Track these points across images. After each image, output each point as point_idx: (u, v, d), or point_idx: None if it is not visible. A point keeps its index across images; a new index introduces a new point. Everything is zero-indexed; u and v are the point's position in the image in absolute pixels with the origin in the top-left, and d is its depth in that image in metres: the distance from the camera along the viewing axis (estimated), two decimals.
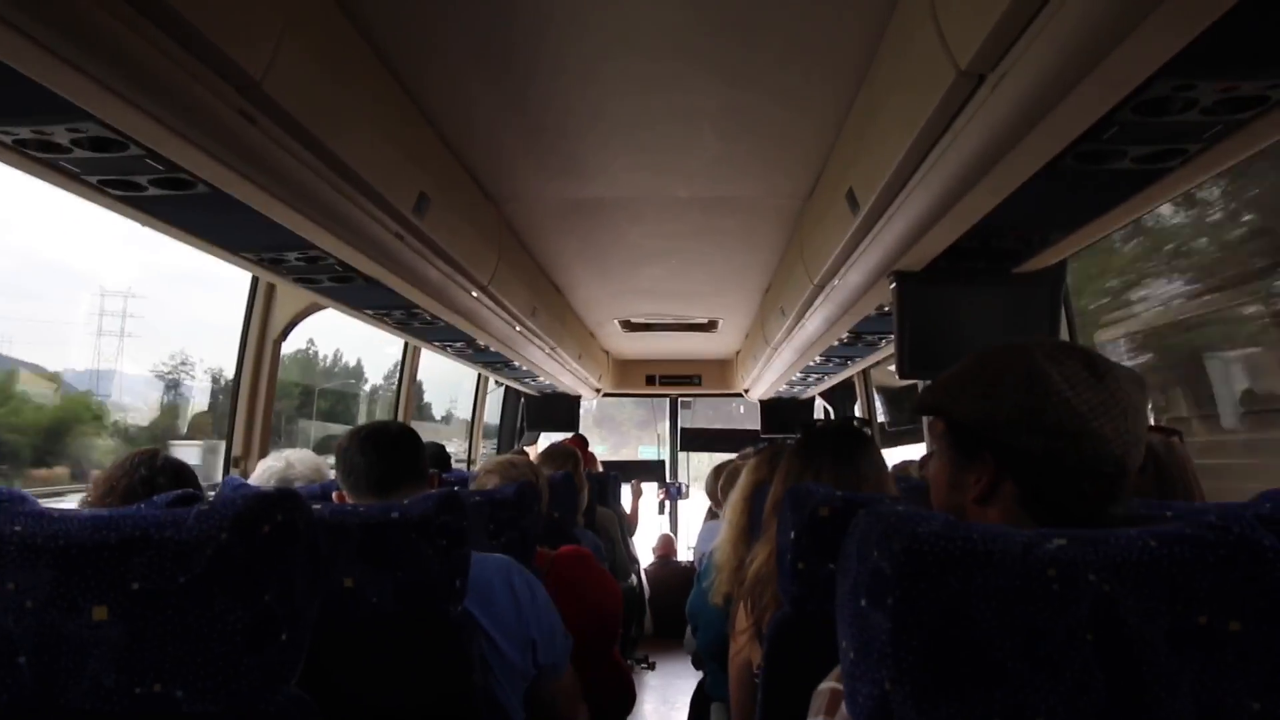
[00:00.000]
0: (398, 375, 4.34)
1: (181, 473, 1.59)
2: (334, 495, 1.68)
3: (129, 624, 0.85)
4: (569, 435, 5.73)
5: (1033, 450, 0.87)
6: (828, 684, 0.93)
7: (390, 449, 1.64)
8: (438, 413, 6.51)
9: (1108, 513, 0.87)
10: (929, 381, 1.15)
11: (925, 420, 3.88)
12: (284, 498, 0.91)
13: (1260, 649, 0.68)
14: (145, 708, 0.85)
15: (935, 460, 1.02)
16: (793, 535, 1.40)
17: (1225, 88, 1.15)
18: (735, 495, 2.15)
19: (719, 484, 3.68)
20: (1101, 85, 1.11)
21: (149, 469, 1.55)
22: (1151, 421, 1.53)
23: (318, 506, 1.42)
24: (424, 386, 5.91)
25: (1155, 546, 0.70)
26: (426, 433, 2.39)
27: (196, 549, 0.85)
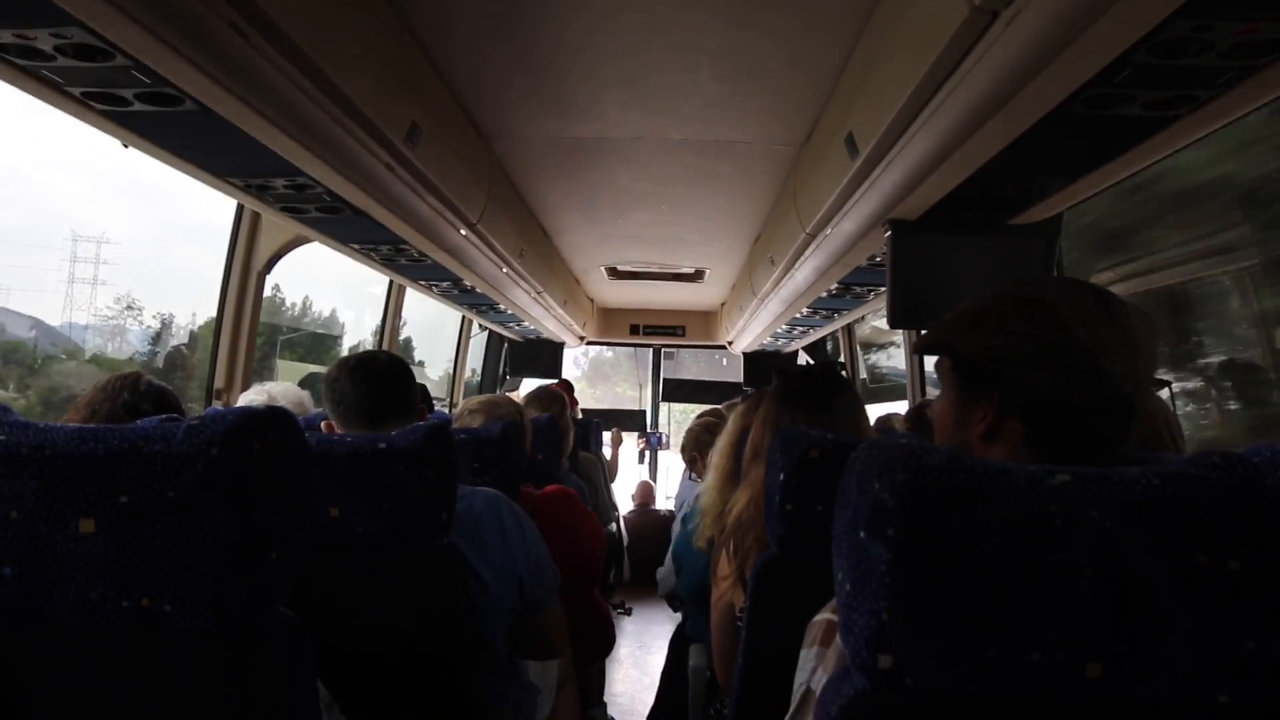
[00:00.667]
0: (380, 318, 4.29)
1: (165, 397, 1.56)
2: (323, 425, 1.66)
3: (117, 537, 0.83)
4: (552, 381, 5.73)
5: (1041, 387, 0.86)
6: (823, 615, 0.94)
7: (380, 379, 1.62)
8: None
9: (1114, 453, 0.86)
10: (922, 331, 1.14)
11: (931, 361, 3.87)
12: (276, 416, 0.89)
13: (1258, 589, 0.69)
14: (133, 622, 0.84)
15: (940, 397, 1.01)
16: (782, 477, 1.40)
17: (1245, 30, 1.12)
18: (722, 440, 2.15)
19: (689, 440, 3.70)
20: (1119, 22, 1.08)
21: (132, 394, 1.53)
22: None
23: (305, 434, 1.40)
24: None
25: (1159, 485, 0.70)
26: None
27: (186, 463, 0.83)
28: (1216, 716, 0.70)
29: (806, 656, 0.92)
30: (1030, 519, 0.69)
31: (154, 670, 0.87)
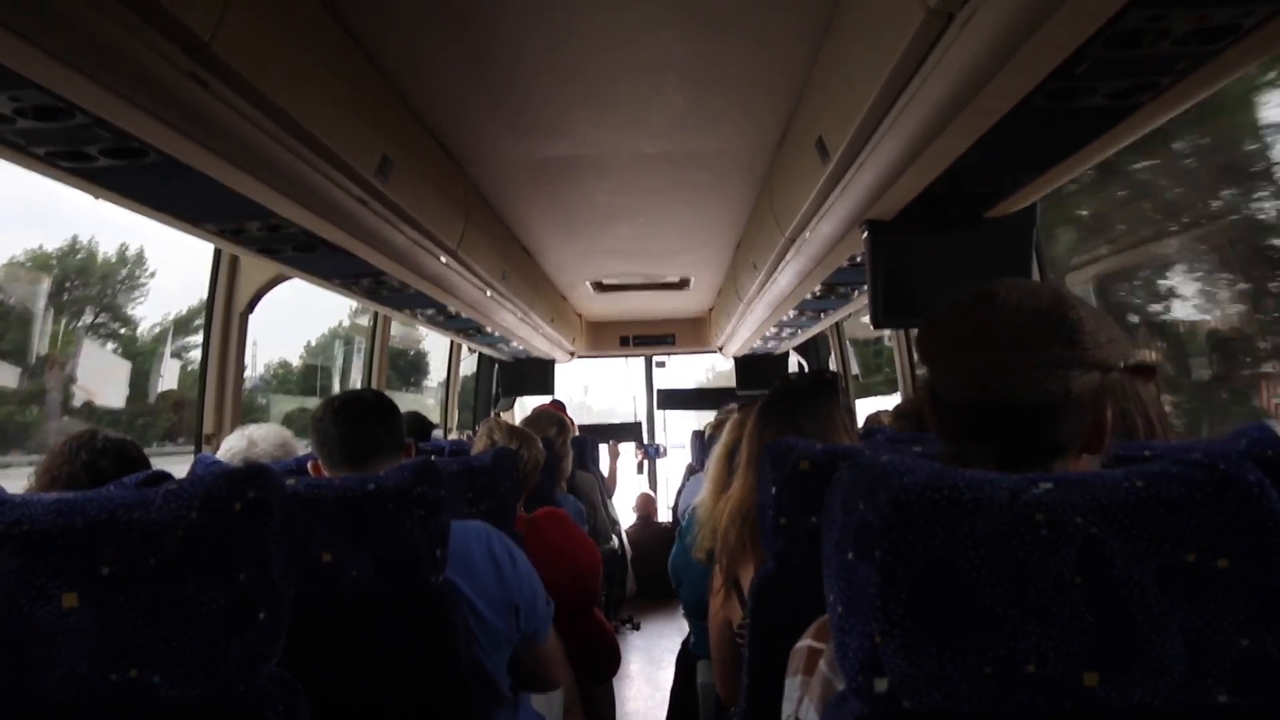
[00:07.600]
0: (368, 344, 4.28)
1: (125, 452, 1.53)
2: (310, 466, 1.65)
3: (100, 610, 0.82)
4: (546, 399, 5.72)
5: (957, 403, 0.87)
6: (805, 642, 0.93)
7: (365, 419, 1.61)
8: None
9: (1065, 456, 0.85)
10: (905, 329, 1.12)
11: (899, 371, 3.91)
12: (256, 473, 0.88)
13: (1248, 585, 0.68)
14: (122, 694, 0.83)
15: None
16: (774, 491, 1.40)
17: (1197, 17, 1.13)
18: (716, 451, 2.16)
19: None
20: (1072, 19, 1.09)
21: (89, 452, 1.49)
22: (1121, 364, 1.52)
23: (291, 481, 1.39)
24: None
25: (1142, 487, 0.70)
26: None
27: (166, 530, 0.82)
28: (1215, 717, 0.69)
29: (791, 685, 0.91)
30: (1016, 530, 0.69)
31: None
